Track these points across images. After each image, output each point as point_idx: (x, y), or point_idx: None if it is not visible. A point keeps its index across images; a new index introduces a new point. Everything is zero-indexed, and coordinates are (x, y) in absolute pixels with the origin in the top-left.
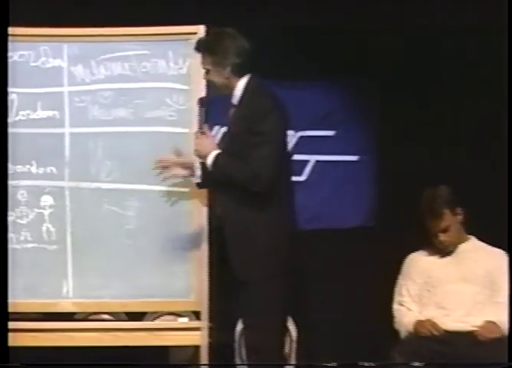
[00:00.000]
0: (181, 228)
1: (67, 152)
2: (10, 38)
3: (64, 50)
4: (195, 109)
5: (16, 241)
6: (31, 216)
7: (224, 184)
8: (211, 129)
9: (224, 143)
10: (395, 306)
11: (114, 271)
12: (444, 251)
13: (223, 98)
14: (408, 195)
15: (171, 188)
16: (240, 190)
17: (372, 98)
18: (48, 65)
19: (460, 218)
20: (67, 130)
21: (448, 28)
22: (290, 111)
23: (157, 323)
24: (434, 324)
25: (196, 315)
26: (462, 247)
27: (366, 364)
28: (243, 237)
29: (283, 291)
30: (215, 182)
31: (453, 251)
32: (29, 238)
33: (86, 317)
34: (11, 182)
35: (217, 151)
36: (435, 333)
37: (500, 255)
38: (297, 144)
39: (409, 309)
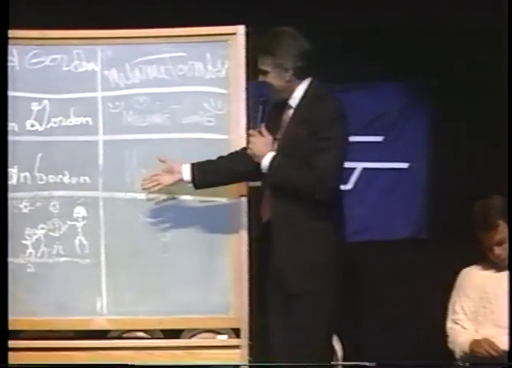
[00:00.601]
0: (219, 240)
1: (100, 161)
2: (44, 42)
3: (98, 53)
4: (234, 114)
5: (48, 255)
6: (63, 229)
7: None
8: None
9: (282, 146)
10: (449, 324)
11: (149, 286)
12: (500, 265)
13: None
14: (462, 205)
15: (208, 198)
16: (296, 196)
17: (424, 101)
18: (81, 69)
19: None
20: (100, 138)
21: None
22: None
23: (194, 341)
24: (491, 344)
25: (236, 332)
26: None
27: (368, 364)
28: (295, 247)
29: (333, 306)
30: (273, 182)
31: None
32: (61, 252)
33: (120, 334)
34: (43, 193)
35: (273, 152)
36: (493, 353)
37: None
38: None
39: (464, 327)
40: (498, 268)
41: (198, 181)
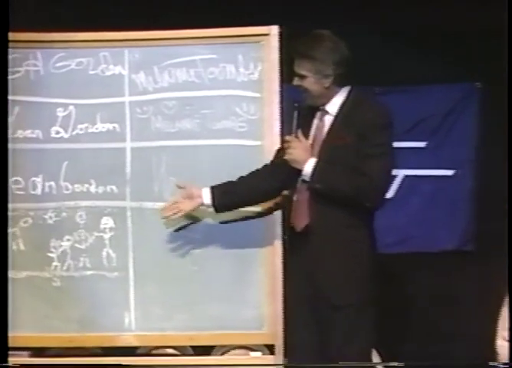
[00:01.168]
0: (251, 251)
1: (128, 169)
2: (69, 44)
3: (125, 56)
4: (267, 119)
5: (74, 269)
6: (90, 240)
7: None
8: None
9: (323, 152)
10: (499, 341)
11: (179, 300)
12: None
13: None
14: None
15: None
16: (341, 203)
17: (470, 104)
18: (108, 73)
19: None
20: (128, 145)
21: None
22: None
23: (226, 358)
24: None
25: (270, 349)
26: None
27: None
28: (335, 257)
29: (372, 319)
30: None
31: None
32: (88, 265)
33: (149, 351)
34: (68, 203)
35: (314, 158)
36: None
37: None
38: None
39: None
40: None
41: (218, 204)
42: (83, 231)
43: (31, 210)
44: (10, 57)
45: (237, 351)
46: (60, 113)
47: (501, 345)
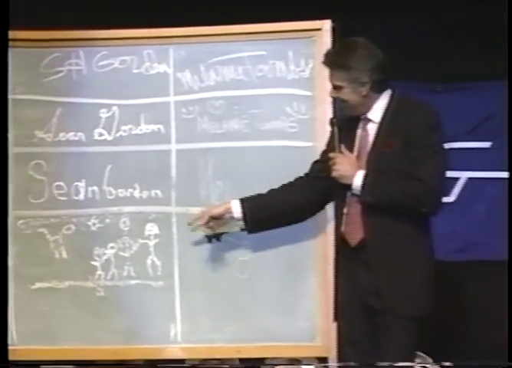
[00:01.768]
0: (303, 259)
1: (173, 173)
2: (113, 42)
3: (170, 53)
4: (319, 118)
5: (118, 278)
6: (134, 248)
7: None
8: None
9: (370, 162)
10: None
11: (227, 310)
12: None
13: None
14: None
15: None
16: (396, 213)
17: None
18: (152, 72)
19: None
20: (173, 147)
21: None
22: None
23: None
24: None
25: (322, 362)
26: None
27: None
28: (395, 268)
29: (433, 331)
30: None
31: None
32: (132, 274)
33: (196, 364)
34: (112, 209)
35: (362, 170)
36: None
37: None
38: None
39: None
40: None
41: (249, 218)
42: (127, 239)
43: (74, 216)
44: (51, 56)
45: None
46: (104, 114)
47: None
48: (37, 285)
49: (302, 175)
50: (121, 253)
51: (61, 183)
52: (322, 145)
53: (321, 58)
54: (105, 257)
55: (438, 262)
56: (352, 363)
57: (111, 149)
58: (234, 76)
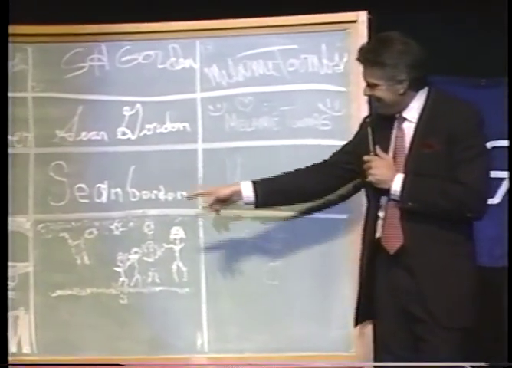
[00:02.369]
0: (337, 264)
1: (199, 173)
2: (137, 36)
3: (197, 47)
4: (354, 116)
5: (142, 284)
6: (158, 253)
7: None
8: None
9: (409, 164)
10: None
11: (257, 318)
12: None
13: None
14: None
15: (324, 216)
16: (438, 218)
17: None
18: (178, 67)
19: None
20: (199, 146)
21: None
22: None
23: None
24: None
25: None
26: None
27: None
28: (439, 276)
29: (478, 342)
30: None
31: None
32: (157, 280)
33: None
34: (136, 212)
35: (401, 174)
36: None
37: None
38: None
39: None
40: None
41: (261, 203)
42: (152, 243)
43: (96, 220)
44: (72, 52)
45: None
46: (127, 112)
47: None
48: (58, 293)
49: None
50: (145, 258)
51: (83, 185)
52: None
53: (356, 52)
54: (128, 263)
55: (482, 268)
56: None
57: (135, 149)
58: (264, 71)
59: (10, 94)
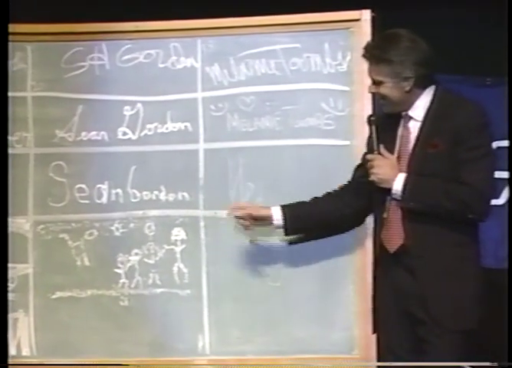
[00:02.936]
0: (340, 266)
1: (201, 174)
2: (135, 35)
3: (198, 46)
4: (358, 115)
5: (143, 286)
6: (159, 254)
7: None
8: None
9: (412, 164)
10: None
11: (259, 320)
12: None
13: None
14: None
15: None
16: (440, 218)
17: None
18: (179, 66)
19: None
20: (201, 146)
21: None
22: None
23: None
24: None
25: None
26: None
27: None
28: (440, 277)
29: (481, 346)
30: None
31: None
32: (158, 282)
33: None
34: (136, 213)
35: (403, 173)
36: None
37: None
38: None
39: None
40: None
41: (290, 227)
42: (153, 244)
43: (97, 221)
44: (72, 51)
45: None
46: (128, 111)
47: None
48: (58, 294)
49: (346, 182)
50: (146, 260)
51: (83, 186)
52: (360, 143)
53: (360, 51)
54: (129, 265)
55: (487, 270)
56: None
57: (135, 149)
58: (267, 70)
59: (9, 94)
